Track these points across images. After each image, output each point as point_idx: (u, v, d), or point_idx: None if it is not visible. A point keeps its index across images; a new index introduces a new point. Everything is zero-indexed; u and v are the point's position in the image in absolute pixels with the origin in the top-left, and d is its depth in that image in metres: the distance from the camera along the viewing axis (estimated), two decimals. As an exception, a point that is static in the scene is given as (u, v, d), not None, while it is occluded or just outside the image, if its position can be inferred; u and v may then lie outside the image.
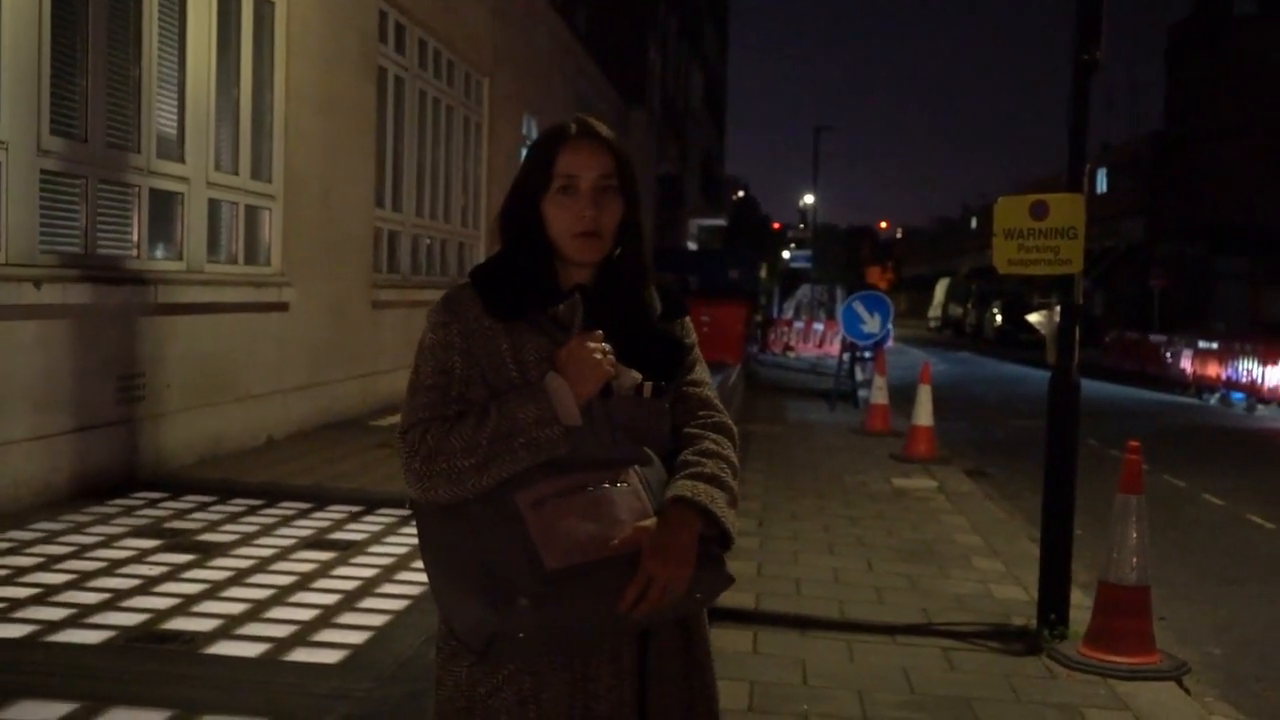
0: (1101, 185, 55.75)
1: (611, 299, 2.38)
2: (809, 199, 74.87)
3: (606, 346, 2.26)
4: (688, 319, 2.56)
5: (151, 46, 8.17)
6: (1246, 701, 5.95)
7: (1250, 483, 13.14)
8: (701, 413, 2.46)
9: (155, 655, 4.41)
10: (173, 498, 7.37)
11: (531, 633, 2.13)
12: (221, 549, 6.14)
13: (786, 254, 79.77)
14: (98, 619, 4.83)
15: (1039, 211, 6.54)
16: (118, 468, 7.69)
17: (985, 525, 9.51)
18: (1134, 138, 54.12)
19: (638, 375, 2.34)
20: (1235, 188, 43.51)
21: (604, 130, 2.46)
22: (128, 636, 4.61)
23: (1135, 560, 6.05)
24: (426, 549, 2.30)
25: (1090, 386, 25.27)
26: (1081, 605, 6.57)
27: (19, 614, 4.88)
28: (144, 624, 4.79)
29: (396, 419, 8.38)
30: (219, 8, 9.05)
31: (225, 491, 7.60)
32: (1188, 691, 5.81)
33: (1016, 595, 7.26)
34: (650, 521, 2.24)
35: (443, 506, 2.24)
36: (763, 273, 49.21)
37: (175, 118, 8.56)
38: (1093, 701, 5.47)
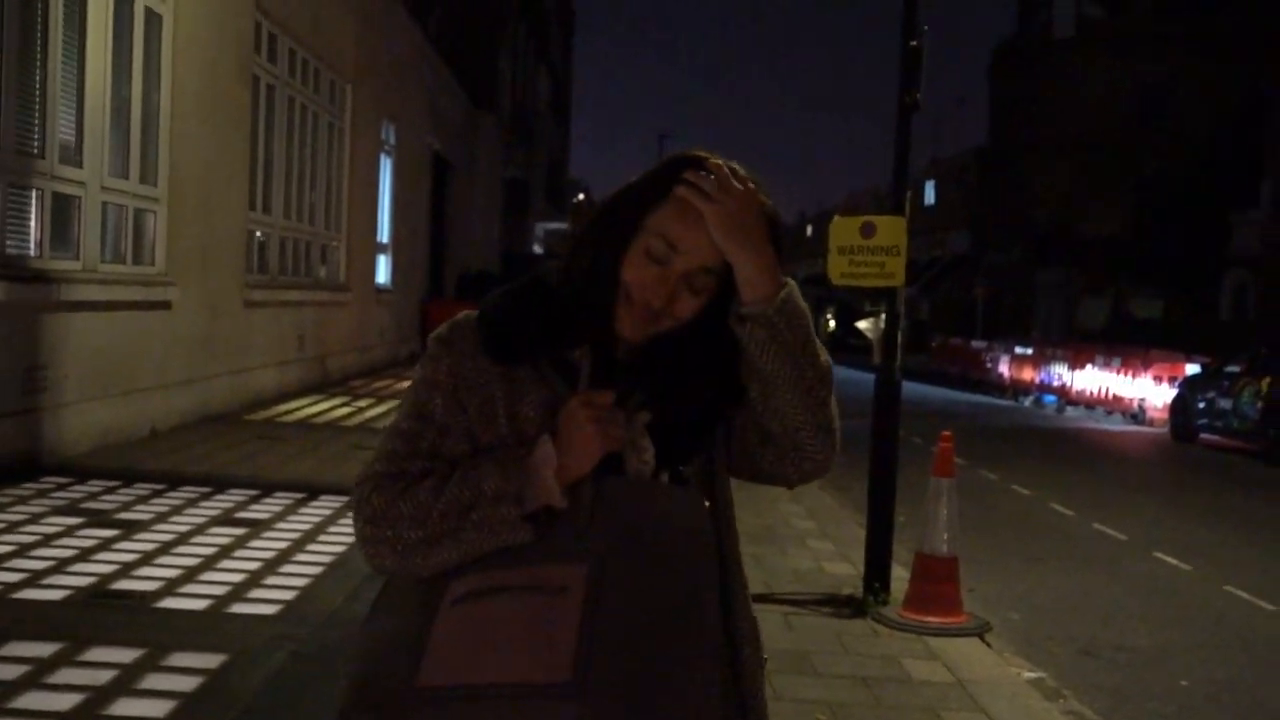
0: (930, 197, 58.08)
1: (666, 358, 1.91)
2: (651, 204, 75.79)
3: (617, 412, 1.81)
4: None
5: (55, 58, 8.69)
6: (1038, 656, 6.98)
7: (1055, 476, 14.49)
8: None
9: (115, 608, 5.11)
10: (79, 482, 7.93)
11: None
12: (141, 525, 6.78)
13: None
14: (51, 581, 5.48)
15: (868, 231, 7.50)
16: (22, 455, 8.19)
17: (819, 512, 10.51)
18: (960, 152, 56.48)
19: (650, 456, 1.87)
20: (1053, 202, 45.88)
21: None
22: (85, 594, 5.27)
23: (946, 535, 7.06)
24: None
25: (917, 389, 26.86)
26: (901, 578, 7.55)
27: (-25, 579, 5.47)
28: (94, 584, 5.46)
29: (270, 413, 9.14)
30: (114, 22, 9.56)
31: (127, 477, 8.17)
32: (989, 646, 6.82)
33: (846, 570, 8.22)
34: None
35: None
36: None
37: (74, 125, 9.07)
38: (909, 653, 6.43)
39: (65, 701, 4.01)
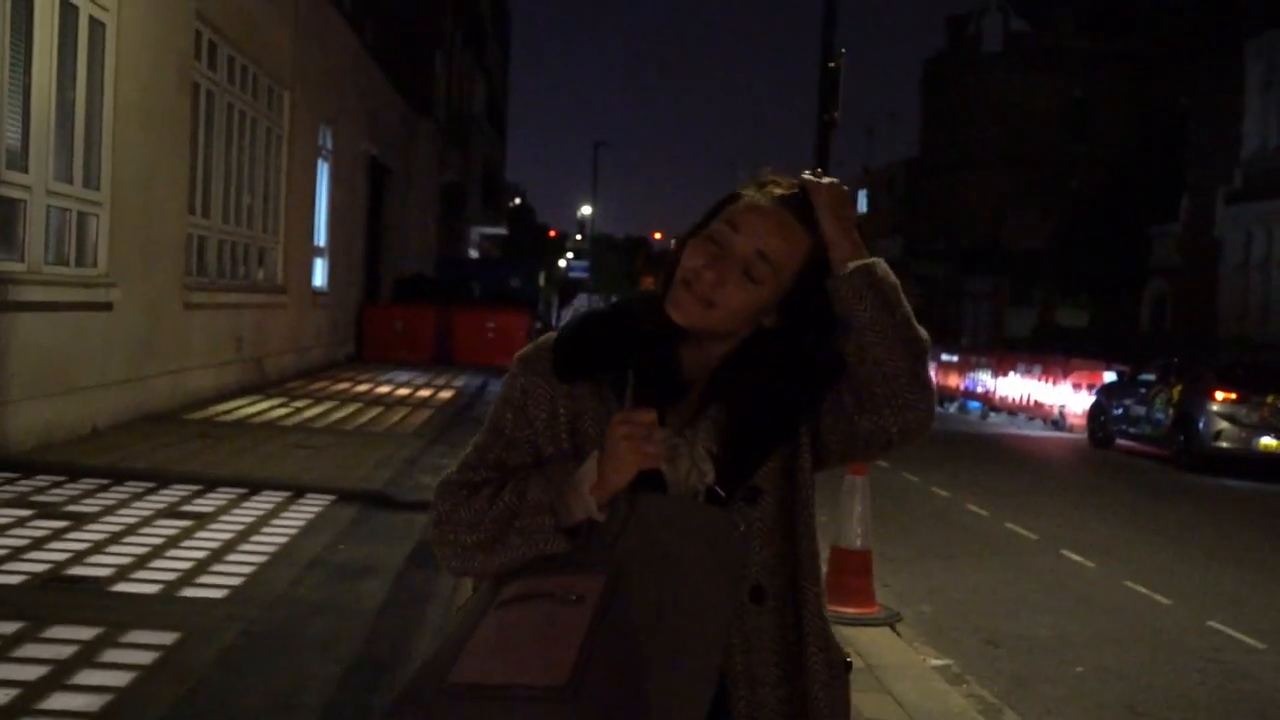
0: (862, 206, 59.00)
1: (744, 377, 2.01)
2: (586, 210, 76.61)
3: (660, 430, 1.88)
4: None
5: (3, 66, 8.90)
6: (945, 644, 7.40)
7: (973, 478, 15.01)
8: None
9: (72, 592, 5.39)
10: (25, 477, 8.15)
11: None
12: (90, 518, 7.04)
13: (563, 263, 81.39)
14: (7, 568, 5.74)
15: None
16: (-33, 451, 8.41)
17: (744, 510, 10.90)
18: (891, 163, 57.38)
19: (710, 476, 1.97)
20: (980, 213, 46.84)
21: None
22: (42, 579, 5.55)
23: (860, 529, 7.48)
24: None
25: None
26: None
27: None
28: (50, 571, 5.73)
29: (208, 413, 9.50)
30: (59, 31, 9.78)
31: (71, 472, 8.40)
32: (900, 635, 7.25)
33: (767, 564, 8.61)
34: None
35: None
36: (541, 281, 50.46)
37: (20, 131, 9.29)
38: (823, 641, 6.83)
39: (31, 673, 4.31)
